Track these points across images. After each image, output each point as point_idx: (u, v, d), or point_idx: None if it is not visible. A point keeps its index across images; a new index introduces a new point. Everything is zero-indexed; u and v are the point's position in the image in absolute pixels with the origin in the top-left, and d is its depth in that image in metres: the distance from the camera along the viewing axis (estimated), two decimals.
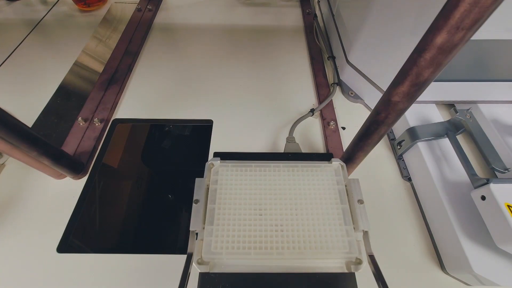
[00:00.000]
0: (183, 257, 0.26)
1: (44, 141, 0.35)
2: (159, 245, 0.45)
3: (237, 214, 0.28)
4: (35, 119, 0.51)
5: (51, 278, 0.35)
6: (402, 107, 0.25)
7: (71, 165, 0.42)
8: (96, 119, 0.50)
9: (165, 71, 0.61)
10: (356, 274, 0.27)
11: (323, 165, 0.32)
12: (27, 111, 0.52)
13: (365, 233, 0.28)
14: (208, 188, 0.30)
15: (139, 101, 0.55)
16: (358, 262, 0.27)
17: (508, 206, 0.30)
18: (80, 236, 0.40)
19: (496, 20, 0.30)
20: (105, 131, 0.50)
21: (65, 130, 0.49)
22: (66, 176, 0.44)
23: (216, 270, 0.26)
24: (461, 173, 0.40)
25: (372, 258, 0.27)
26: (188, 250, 0.26)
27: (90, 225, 0.44)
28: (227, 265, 0.26)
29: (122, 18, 0.74)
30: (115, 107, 0.54)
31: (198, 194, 0.28)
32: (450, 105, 0.52)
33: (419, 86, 0.22)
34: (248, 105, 0.55)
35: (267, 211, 0.28)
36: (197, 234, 0.27)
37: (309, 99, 0.57)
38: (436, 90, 0.47)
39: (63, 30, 0.71)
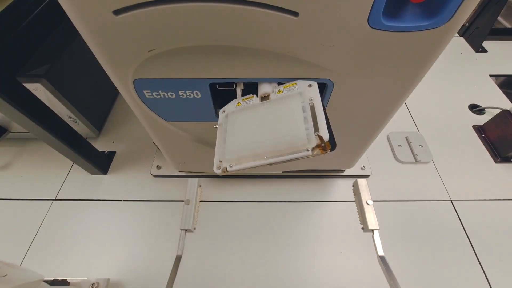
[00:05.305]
0: None
1: None
2: None
3: (241, 134, 0.32)
4: None
5: None
6: None
7: None
8: None
9: None
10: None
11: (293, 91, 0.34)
12: None
13: (375, 233, 0.25)
14: None
15: None
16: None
17: None
18: None
19: None
20: None
21: None
22: None
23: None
24: None
25: (382, 259, 0.23)
26: (178, 252, 0.25)
27: None
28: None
29: None
30: None
31: (189, 194, 0.28)
32: None
33: None
34: None
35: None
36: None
37: None
38: None
39: None
